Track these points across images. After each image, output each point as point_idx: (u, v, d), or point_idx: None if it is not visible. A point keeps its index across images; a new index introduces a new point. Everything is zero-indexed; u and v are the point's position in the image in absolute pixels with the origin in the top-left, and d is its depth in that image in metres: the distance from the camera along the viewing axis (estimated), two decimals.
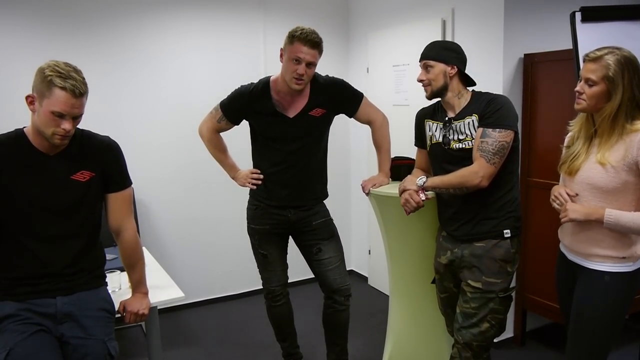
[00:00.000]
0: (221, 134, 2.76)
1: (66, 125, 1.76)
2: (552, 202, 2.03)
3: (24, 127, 1.87)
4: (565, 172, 2.02)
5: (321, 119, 2.61)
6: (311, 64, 2.42)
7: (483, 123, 2.13)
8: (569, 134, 2.09)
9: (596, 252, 1.94)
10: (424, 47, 2.27)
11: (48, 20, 3.46)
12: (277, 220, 2.68)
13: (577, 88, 1.95)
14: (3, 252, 1.87)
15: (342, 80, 2.66)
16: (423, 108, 2.44)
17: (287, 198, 2.65)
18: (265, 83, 2.58)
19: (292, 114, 2.56)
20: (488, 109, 2.13)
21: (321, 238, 2.70)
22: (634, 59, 1.85)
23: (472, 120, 2.17)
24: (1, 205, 1.81)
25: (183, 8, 3.86)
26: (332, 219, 2.78)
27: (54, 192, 1.85)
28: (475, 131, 2.16)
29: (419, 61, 2.26)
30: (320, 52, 2.45)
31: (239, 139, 2.91)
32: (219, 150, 2.78)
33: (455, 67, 2.21)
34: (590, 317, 1.95)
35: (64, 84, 1.72)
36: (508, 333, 3.41)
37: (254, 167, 2.72)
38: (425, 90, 2.26)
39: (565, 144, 2.10)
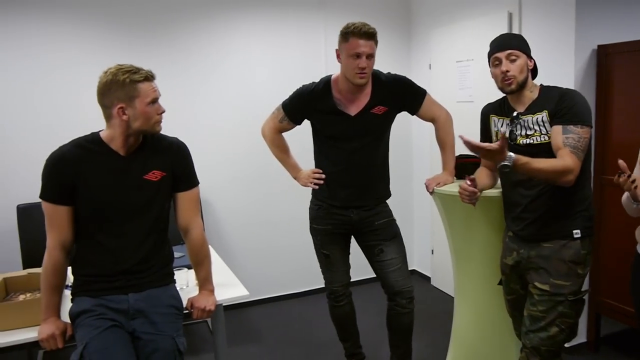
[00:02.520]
0: (283, 134, 2.78)
1: (161, 107, 1.92)
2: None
3: (100, 130, 1.95)
4: None
5: (383, 117, 2.58)
6: (370, 56, 2.40)
7: (560, 120, 2.02)
8: None
9: None
10: (496, 38, 2.18)
11: (116, 25, 3.61)
12: (339, 220, 2.68)
13: None
14: (80, 250, 1.96)
15: (404, 77, 2.62)
16: (488, 103, 2.36)
17: (349, 198, 2.63)
18: (326, 82, 2.58)
19: (353, 112, 2.54)
20: (563, 104, 2.03)
21: (383, 239, 2.66)
22: None
23: (543, 116, 2.08)
24: (80, 204, 1.90)
25: (246, 10, 3.92)
26: (394, 220, 2.74)
27: (129, 191, 1.93)
28: (544, 127, 2.07)
29: (498, 52, 2.12)
30: (376, 42, 2.42)
31: (301, 138, 2.93)
32: (281, 150, 2.80)
33: (532, 60, 2.14)
34: None
35: (142, 75, 1.84)
36: (581, 338, 3.26)
37: (316, 167, 2.73)
38: (510, 84, 2.10)
39: None
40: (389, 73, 2.62)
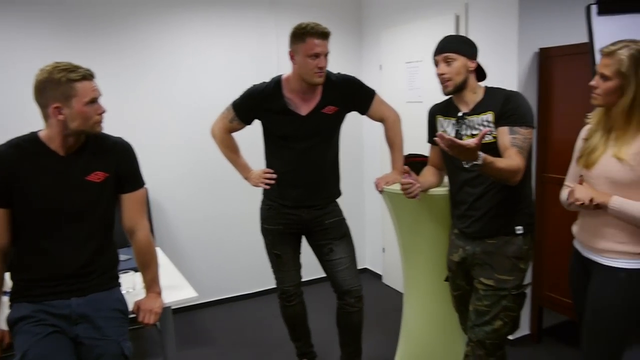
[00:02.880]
0: (233, 134, 2.76)
1: (101, 107, 1.86)
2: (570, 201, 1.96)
3: (38, 130, 1.88)
4: (583, 165, 1.98)
5: (334, 117, 2.60)
6: (327, 55, 2.43)
7: (507, 121, 2.08)
8: (587, 127, 2.05)
9: (610, 247, 1.90)
10: (439, 41, 2.22)
11: (54, 21, 3.48)
12: (290, 219, 2.68)
13: (592, 82, 1.92)
14: (19, 253, 1.89)
15: (354, 77, 2.65)
16: (435, 104, 2.41)
17: (300, 197, 2.64)
18: (277, 82, 2.57)
19: (304, 111, 2.55)
20: (508, 106, 2.09)
21: (333, 237, 2.68)
22: None
23: (487, 117, 2.14)
24: (18, 207, 1.83)
25: (194, 9, 3.86)
26: (344, 219, 2.76)
27: (69, 193, 1.87)
28: (489, 127, 2.13)
29: (437, 54, 2.19)
30: (328, 40, 2.45)
31: (251, 139, 2.91)
32: (231, 151, 2.78)
33: (475, 61, 2.18)
34: (604, 315, 1.92)
35: (80, 73, 1.78)
36: (524, 330, 3.37)
37: (267, 167, 2.72)
38: (446, 86, 2.17)
39: (583, 136, 2.06)
40: (338, 73, 2.63)
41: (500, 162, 1.97)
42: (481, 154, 1.88)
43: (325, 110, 2.56)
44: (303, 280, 2.89)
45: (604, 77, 1.85)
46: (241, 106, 2.65)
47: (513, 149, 2.04)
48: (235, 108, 2.67)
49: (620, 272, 1.88)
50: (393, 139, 2.71)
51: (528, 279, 3.07)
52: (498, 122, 2.11)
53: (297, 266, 2.82)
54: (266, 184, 2.66)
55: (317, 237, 2.71)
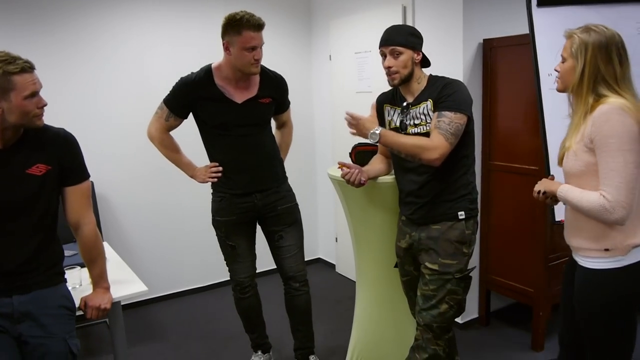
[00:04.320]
0: (172, 132, 2.70)
1: (42, 101, 1.77)
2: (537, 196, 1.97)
3: None
4: (558, 164, 1.94)
5: (269, 106, 2.66)
6: (262, 45, 2.46)
7: (439, 106, 2.13)
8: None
9: (579, 243, 1.83)
10: (385, 30, 2.23)
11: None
12: (243, 208, 2.67)
13: (555, 67, 1.88)
14: None
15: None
16: (382, 93, 2.44)
17: (250, 184, 2.64)
18: (207, 70, 2.56)
19: (239, 99, 2.55)
20: (443, 93, 2.14)
21: (284, 224, 2.71)
22: (608, 36, 1.75)
23: (427, 105, 2.18)
24: None
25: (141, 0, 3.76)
26: (297, 204, 2.79)
27: (9, 186, 1.79)
28: (429, 116, 2.17)
29: (383, 46, 2.20)
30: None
31: (192, 136, 2.83)
32: (172, 151, 2.72)
33: (420, 53, 2.21)
34: (588, 318, 1.82)
35: (18, 66, 1.69)
36: (473, 314, 3.48)
37: (209, 159, 2.70)
38: (393, 78, 2.20)
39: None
40: (273, 71, 2.69)
41: (403, 137, 2.14)
42: (380, 128, 2.12)
43: (263, 100, 2.60)
44: (257, 271, 2.88)
45: (563, 59, 1.84)
46: (174, 101, 2.60)
47: (435, 131, 2.10)
48: (167, 104, 2.61)
49: (598, 274, 1.77)
50: (285, 136, 2.92)
51: (474, 263, 3.17)
52: (434, 109, 2.16)
53: (253, 257, 2.81)
54: (214, 177, 2.64)
55: (269, 223, 2.73)
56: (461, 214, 2.22)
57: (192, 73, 2.58)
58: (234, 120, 2.55)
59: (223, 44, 2.46)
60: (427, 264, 2.26)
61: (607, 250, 1.75)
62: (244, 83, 2.56)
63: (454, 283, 2.22)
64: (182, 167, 2.74)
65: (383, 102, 2.41)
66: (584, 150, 1.74)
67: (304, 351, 2.92)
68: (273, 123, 2.79)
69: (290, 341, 2.99)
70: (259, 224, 2.79)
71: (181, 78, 2.58)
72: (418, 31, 2.25)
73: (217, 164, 2.64)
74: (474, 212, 2.28)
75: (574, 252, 1.90)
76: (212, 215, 2.75)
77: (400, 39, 2.18)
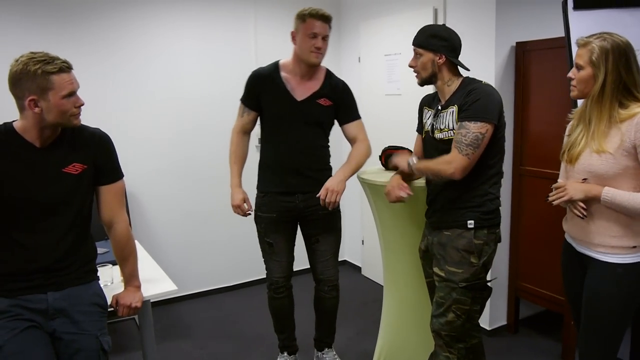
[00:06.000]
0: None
1: (79, 100, 1.81)
2: (554, 198, 1.98)
3: (13, 121, 1.83)
4: (566, 160, 2.01)
5: (328, 109, 2.65)
6: (326, 37, 2.53)
7: (461, 115, 2.10)
8: (570, 123, 2.07)
9: (606, 241, 1.91)
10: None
11: (30, 12, 3.40)
12: (284, 207, 2.68)
13: (569, 74, 1.96)
14: None
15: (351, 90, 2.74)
16: (427, 95, 2.43)
17: (295, 184, 2.65)
18: (275, 64, 2.67)
19: (299, 97, 2.60)
20: (466, 100, 2.09)
21: (323, 229, 2.73)
22: (624, 43, 1.84)
23: (453, 111, 2.15)
24: None
25: (172, 0, 3.82)
26: (339, 212, 2.78)
27: (46, 185, 1.82)
28: (454, 122, 2.14)
29: (413, 44, 2.23)
30: (330, 26, 2.56)
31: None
32: (236, 156, 2.73)
33: (443, 56, 2.15)
34: (603, 310, 1.94)
35: (57, 66, 1.72)
36: (501, 321, 3.43)
37: (261, 157, 2.74)
38: (416, 78, 2.25)
39: (566, 132, 2.09)
40: (340, 79, 2.72)
41: (428, 162, 2.20)
42: (414, 163, 2.26)
43: (320, 100, 2.62)
44: (293, 270, 2.88)
45: (579, 67, 1.90)
46: (245, 93, 2.71)
47: (453, 144, 2.11)
48: (242, 99, 2.72)
49: (618, 267, 1.89)
50: (355, 156, 2.67)
51: (501, 271, 3.11)
52: (459, 116, 2.13)
53: (290, 257, 2.82)
54: (240, 212, 2.68)
55: (308, 225, 2.75)
56: (470, 223, 2.17)
57: (261, 67, 2.70)
58: (289, 115, 2.60)
59: (291, 35, 2.58)
60: (436, 269, 2.25)
61: (634, 247, 1.88)
62: (307, 79, 2.62)
63: (459, 292, 2.17)
64: (231, 179, 2.73)
65: (423, 103, 2.42)
66: (622, 154, 1.83)
67: (322, 343, 2.99)
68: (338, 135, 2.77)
69: None
70: (299, 225, 2.80)
71: (252, 72, 2.69)
72: (448, 32, 2.18)
73: (251, 209, 2.70)
74: (488, 222, 2.19)
75: (591, 248, 1.97)
76: (255, 211, 2.77)
77: (420, 40, 2.19)
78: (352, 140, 2.74)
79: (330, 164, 2.81)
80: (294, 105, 2.59)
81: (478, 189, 2.17)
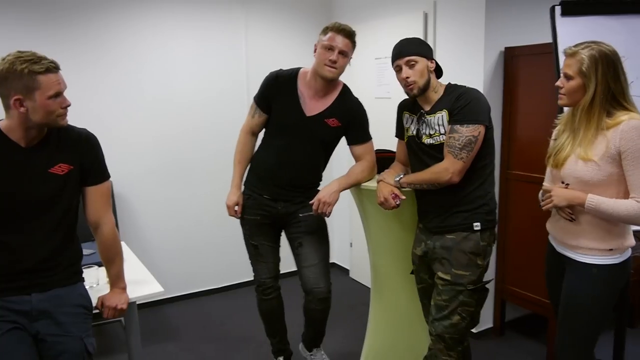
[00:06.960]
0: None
1: (66, 101, 1.79)
2: (544, 204, 2.05)
3: None
4: (552, 164, 2.04)
5: (335, 131, 2.60)
6: (344, 54, 2.45)
7: (452, 119, 2.13)
8: (557, 127, 2.11)
9: (583, 244, 1.97)
10: (395, 45, 2.24)
11: (19, 11, 3.37)
12: (267, 211, 2.67)
13: (558, 83, 1.98)
14: None
15: (365, 111, 2.65)
16: (404, 99, 2.43)
17: (279, 193, 2.63)
18: (295, 71, 2.61)
19: (309, 112, 2.55)
20: (457, 104, 2.13)
21: (304, 231, 2.66)
22: (612, 52, 1.87)
23: (442, 116, 2.17)
24: None
25: (163, 2, 3.81)
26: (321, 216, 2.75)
27: (31, 186, 1.81)
28: (442, 127, 2.17)
29: (398, 59, 2.20)
30: (353, 44, 2.49)
31: None
32: (240, 156, 2.73)
33: (433, 61, 2.22)
34: (578, 308, 2.00)
35: (43, 65, 1.71)
36: (488, 324, 3.45)
37: (254, 160, 2.72)
38: (411, 89, 2.19)
39: (552, 137, 2.13)
40: (357, 98, 2.65)
41: (421, 174, 2.24)
42: (399, 175, 2.32)
43: (329, 120, 2.56)
44: (282, 272, 2.86)
45: (568, 77, 1.92)
46: (259, 93, 2.65)
47: (445, 149, 2.13)
48: (255, 99, 2.67)
49: (593, 267, 1.95)
50: (355, 170, 2.63)
51: (491, 275, 3.13)
52: (449, 120, 2.15)
53: (276, 259, 2.79)
54: (232, 212, 2.71)
55: (290, 229, 2.71)
56: (477, 225, 2.20)
57: (281, 69, 2.64)
58: (294, 128, 2.55)
59: (314, 48, 2.53)
60: (440, 273, 2.24)
61: (611, 250, 1.94)
62: (322, 95, 2.56)
63: (466, 294, 2.19)
64: (233, 177, 2.73)
65: (403, 108, 2.41)
66: (608, 161, 1.87)
67: (310, 344, 2.95)
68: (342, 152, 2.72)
69: None
70: (283, 230, 2.78)
71: (271, 72, 2.64)
72: (426, 41, 2.28)
73: (240, 211, 2.70)
74: (491, 223, 2.25)
75: (569, 249, 2.04)
76: (241, 213, 2.75)
77: (414, 49, 2.20)
78: (357, 159, 2.69)
79: (321, 178, 2.77)
80: (301, 119, 2.54)
81: (478, 190, 2.21)
